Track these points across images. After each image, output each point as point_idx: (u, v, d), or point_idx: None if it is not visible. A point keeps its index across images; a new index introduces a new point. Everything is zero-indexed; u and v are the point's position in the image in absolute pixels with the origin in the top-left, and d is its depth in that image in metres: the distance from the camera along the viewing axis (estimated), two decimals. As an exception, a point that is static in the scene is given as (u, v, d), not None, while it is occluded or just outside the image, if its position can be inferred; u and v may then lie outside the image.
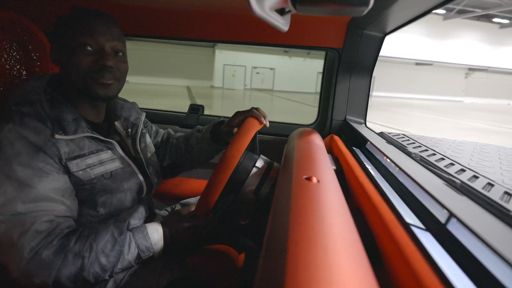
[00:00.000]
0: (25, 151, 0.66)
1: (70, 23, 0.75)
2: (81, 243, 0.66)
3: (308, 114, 10.53)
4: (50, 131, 0.70)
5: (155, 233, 0.77)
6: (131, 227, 0.77)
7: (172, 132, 1.19)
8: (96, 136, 0.78)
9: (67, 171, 0.71)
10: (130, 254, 0.71)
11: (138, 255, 0.73)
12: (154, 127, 1.13)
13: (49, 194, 0.67)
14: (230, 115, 0.98)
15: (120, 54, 0.80)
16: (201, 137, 1.04)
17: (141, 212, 0.91)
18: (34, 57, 1.06)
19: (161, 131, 1.16)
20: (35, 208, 0.64)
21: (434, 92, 24.69)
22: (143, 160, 0.95)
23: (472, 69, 24.14)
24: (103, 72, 0.75)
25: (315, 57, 19.44)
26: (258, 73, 19.98)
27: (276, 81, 20.29)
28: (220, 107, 11.64)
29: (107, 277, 0.71)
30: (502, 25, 20.74)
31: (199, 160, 1.08)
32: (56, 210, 0.67)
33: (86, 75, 0.74)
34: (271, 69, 19.92)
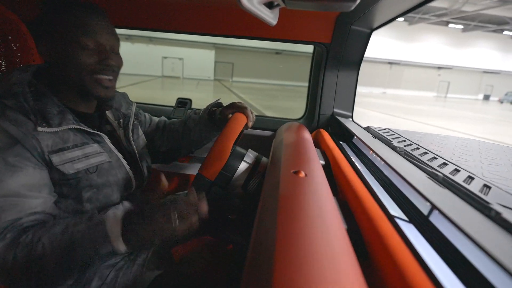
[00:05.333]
0: (2, 144, 0.64)
1: (64, 18, 0.71)
2: (34, 236, 0.60)
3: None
4: (33, 124, 0.67)
5: (113, 220, 0.63)
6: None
7: (167, 120, 1.18)
8: (82, 128, 0.75)
9: (49, 164, 0.69)
10: (83, 247, 0.60)
11: (93, 247, 0.61)
12: (147, 116, 1.12)
13: (19, 190, 0.64)
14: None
15: (117, 51, 0.79)
16: (199, 119, 1.06)
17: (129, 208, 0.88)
18: (14, 48, 1.02)
19: (155, 118, 1.15)
20: (4, 202, 0.62)
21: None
22: (136, 151, 0.93)
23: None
24: (106, 72, 0.75)
25: (159, 43, 20.29)
26: (101, 57, 21.79)
27: (120, 65, 21.69)
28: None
29: (69, 274, 0.62)
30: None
31: (196, 143, 1.10)
32: (27, 206, 0.64)
33: (87, 76, 0.73)
34: (114, 53, 21.12)
